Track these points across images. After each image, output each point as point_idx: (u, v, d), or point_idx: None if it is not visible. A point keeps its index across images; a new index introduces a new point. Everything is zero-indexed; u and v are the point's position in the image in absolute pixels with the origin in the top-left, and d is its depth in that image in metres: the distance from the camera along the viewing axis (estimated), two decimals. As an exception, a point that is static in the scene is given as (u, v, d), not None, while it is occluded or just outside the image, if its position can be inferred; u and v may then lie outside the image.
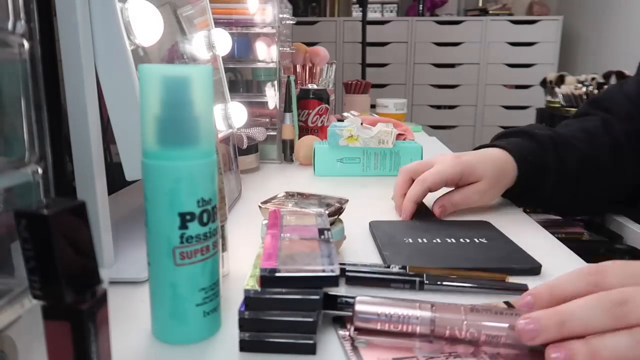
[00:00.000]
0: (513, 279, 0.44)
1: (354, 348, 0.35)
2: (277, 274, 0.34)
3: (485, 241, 0.53)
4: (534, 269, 0.47)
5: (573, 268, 0.48)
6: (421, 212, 0.64)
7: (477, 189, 0.63)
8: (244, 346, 0.35)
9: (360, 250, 0.55)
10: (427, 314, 0.35)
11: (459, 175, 0.62)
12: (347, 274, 0.44)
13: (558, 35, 2.81)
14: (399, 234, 0.55)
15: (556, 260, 0.51)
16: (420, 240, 0.53)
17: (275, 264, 0.34)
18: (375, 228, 0.58)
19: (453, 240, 0.53)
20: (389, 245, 0.52)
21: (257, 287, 0.34)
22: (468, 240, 0.53)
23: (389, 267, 0.45)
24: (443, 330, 0.35)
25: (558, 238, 0.58)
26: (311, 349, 0.35)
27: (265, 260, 0.35)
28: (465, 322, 0.34)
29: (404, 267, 0.44)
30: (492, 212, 0.68)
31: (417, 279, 0.43)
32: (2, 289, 0.30)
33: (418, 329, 0.35)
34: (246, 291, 0.34)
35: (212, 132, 0.35)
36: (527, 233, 0.60)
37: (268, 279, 0.34)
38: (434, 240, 0.53)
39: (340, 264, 0.44)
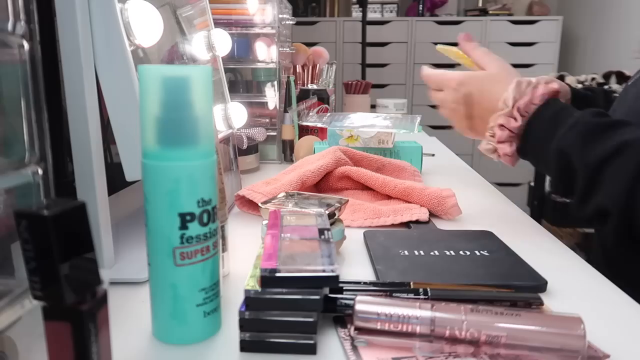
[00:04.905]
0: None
1: (354, 348, 0.35)
2: (278, 274, 0.34)
3: (486, 254, 0.51)
4: (539, 286, 0.45)
5: (584, 281, 0.47)
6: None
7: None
8: (245, 346, 0.35)
9: (357, 252, 0.55)
10: (427, 313, 0.35)
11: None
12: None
13: (558, 36, 2.81)
14: (395, 246, 0.52)
15: (566, 273, 0.49)
16: (416, 253, 0.50)
17: (276, 264, 0.34)
18: (370, 238, 0.56)
19: (452, 253, 0.51)
20: (383, 259, 0.49)
21: (258, 287, 0.34)
22: (468, 253, 0.51)
23: (386, 283, 0.41)
24: (443, 330, 0.35)
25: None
26: (311, 349, 0.35)
27: (266, 261, 0.35)
28: (465, 323, 0.34)
29: (407, 284, 0.41)
30: (495, 220, 0.68)
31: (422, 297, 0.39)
32: (3, 290, 0.30)
33: (418, 329, 0.35)
34: (246, 291, 0.34)
35: (212, 133, 0.35)
36: (534, 243, 0.57)
37: (268, 279, 0.34)
38: (432, 253, 0.50)
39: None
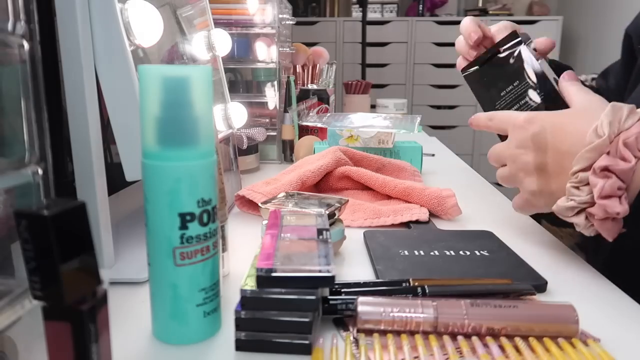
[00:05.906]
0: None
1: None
2: (274, 274, 0.34)
3: (486, 254, 0.51)
4: (539, 286, 0.44)
5: (584, 281, 0.48)
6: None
7: None
8: (240, 345, 0.35)
9: (357, 252, 0.55)
10: (429, 311, 0.35)
11: None
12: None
13: (558, 35, 2.81)
14: (394, 246, 0.52)
15: (566, 274, 0.49)
16: (416, 253, 0.50)
17: (272, 264, 0.34)
18: (370, 239, 0.55)
19: (452, 253, 0.50)
20: (383, 259, 0.49)
21: (255, 287, 0.34)
22: (468, 253, 0.51)
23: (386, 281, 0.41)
24: (446, 327, 0.35)
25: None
26: (307, 349, 0.35)
27: (263, 260, 0.35)
28: (466, 317, 0.35)
29: (407, 281, 0.41)
30: (495, 220, 0.68)
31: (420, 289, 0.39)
32: (3, 290, 0.30)
33: (421, 327, 0.35)
34: (242, 291, 0.34)
35: (211, 133, 0.35)
36: (535, 243, 0.57)
37: (264, 278, 0.34)
38: (432, 253, 0.50)
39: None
